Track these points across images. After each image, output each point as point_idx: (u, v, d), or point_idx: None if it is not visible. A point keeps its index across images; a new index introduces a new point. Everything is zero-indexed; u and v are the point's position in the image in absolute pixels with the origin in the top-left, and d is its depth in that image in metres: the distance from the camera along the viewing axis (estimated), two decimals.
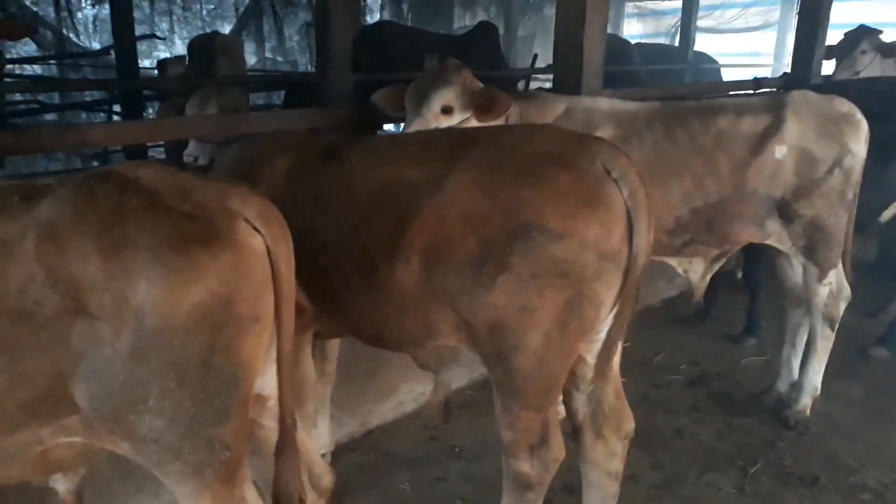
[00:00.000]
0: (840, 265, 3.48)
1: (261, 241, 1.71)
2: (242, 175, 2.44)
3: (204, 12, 11.15)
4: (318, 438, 2.91)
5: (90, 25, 9.97)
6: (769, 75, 7.48)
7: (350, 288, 2.27)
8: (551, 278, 2.04)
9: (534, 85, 7.48)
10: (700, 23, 12.71)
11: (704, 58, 9.31)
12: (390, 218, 2.16)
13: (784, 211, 3.27)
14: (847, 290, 3.55)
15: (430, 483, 3.18)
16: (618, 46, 8.73)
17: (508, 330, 2.10)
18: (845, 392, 3.98)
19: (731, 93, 5.59)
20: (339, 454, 3.24)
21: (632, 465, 3.26)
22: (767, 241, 3.38)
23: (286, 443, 1.88)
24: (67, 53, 8.90)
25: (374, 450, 3.38)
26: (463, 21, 11.88)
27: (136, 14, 8.47)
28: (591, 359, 2.36)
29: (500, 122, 3.27)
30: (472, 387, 3.88)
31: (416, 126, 3.03)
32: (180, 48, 10.41)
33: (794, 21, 6.84)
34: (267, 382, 1.91)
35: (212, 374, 1.63)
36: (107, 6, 8.20)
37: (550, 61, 5.12)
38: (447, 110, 3.09)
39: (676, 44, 10.30)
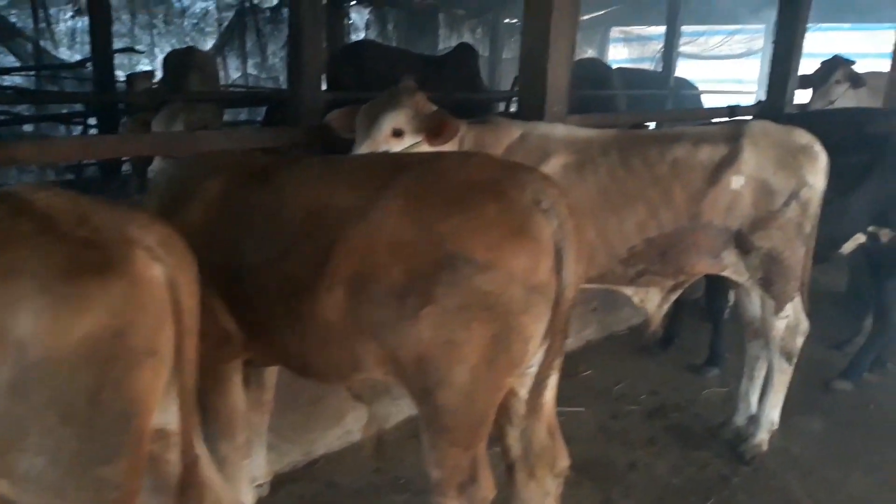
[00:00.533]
0: (798, 298, 3.42)
1: (161, 271, 1.64)
2: (174, 197, 2.39)
3: (187, 26, 11.13)
4: (252, 469, 2.82)
5: (69, 38, 9.92)
6: (751, 102, 7.51)
7: (275, 316, 2.20)
8: (477, 311, 1.97)
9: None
10: (684, 49, 12.82)
11: (685, 83, 9.34)
12: (315, 244, 2.09)
13: (741, 242, 3.22)
14: (805, 324, 3.49)
15: None
16: (598, 70, 8.76)
17: (434, 364, 2.02)
18: (805, 426, 3.92)
19: (699, 120, 5.58)
20: (279, 485, 3.14)
21: (582, 499, 3.22)
22: (724, 273, 3.33)
23: (189, 480, 1.80)
24: (44, 65, 8.84)
25: (317, 480, 3.28)
26: (448, 42, 11.89)
27: (118, 27, 8.44)
28: (524, 394, 2.31)
29: (454, 147, 3.24)
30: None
31: (365, 149, 2.98)
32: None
33: None
34: (171, 416, 1.83)
35: (100, 411, 1.55)
36: (87, 18, 8.16)
37: None
38: (398, 133, 3.03)
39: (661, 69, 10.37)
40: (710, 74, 12.57)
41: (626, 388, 4.29)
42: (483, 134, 3.27)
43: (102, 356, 1.53)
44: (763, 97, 5.96)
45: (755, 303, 3.48)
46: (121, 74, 7.85)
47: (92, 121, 7.64)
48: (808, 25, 10.12)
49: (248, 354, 2.44)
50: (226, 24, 10.87)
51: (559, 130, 3.32)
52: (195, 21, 11.19)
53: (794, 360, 3.50)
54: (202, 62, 6.09)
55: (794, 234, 3.24)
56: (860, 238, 4.14)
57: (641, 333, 5.09)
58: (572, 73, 8.47)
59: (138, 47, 9.65)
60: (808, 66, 6.21)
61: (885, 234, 4.08)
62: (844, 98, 6.08)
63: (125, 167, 6.90)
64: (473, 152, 3.00)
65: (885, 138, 4.14)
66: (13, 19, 9.00)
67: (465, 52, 7.52)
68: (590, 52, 14.13)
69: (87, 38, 9.14)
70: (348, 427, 3.49)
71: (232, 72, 11.09)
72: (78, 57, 9.40)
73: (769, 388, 3.56)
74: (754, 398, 3.72)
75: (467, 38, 12.24)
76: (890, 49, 6.13)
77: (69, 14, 9.44)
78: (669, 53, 9.23)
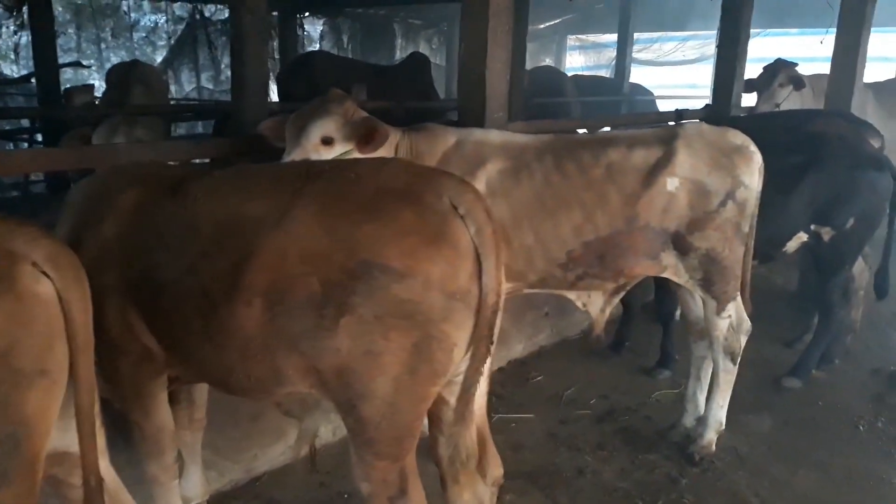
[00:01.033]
0: (739, 298, 3.44)
1: (49, 287, 1.57)
2: (89, 212, 2.32)
3: (137, 40, 10.97)
4: (187, 489, 2.74)
5: (13, 52, 9.69)
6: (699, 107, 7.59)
7: (194, 331, 2.13)
8: (396, 320, 1.93)
9: None
10: (639, 55, 13.00)
11: (639, 89, 9.46)
12: (231, 256, 2.03)
13: (678, 244, 3.23)
14: (747, 324, 3.51)
15: None
16: (553, 78, 8.84)
17: (355, 376, 1.98)
18: (755, 425, 3.94)
19: (647, 125, 5.63)
20: (220, 503, 3.06)
21: None
22: (664, 275, 3.33)
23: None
24: None
25: (259, 497, 3.20)
26: (405, 52, 11.87)
27: (64, 41, 8.28)
28: (454, 402, 2.26)
29: (389, 154, 3.20)
30: None
31: (295, 157, 2.93)
32: None
33: None
34: (73, 438, 1.75)
35: None
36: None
37: None
38: (327, 141, 2.99)
39: None
40: (665, 80, 12.77)
41: (577, 392, 4.28)
42: (418, 141, 3.24)
43: None
44: None
45: (698, 304, 3.49)
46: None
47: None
48: (756, 31, 10.36)
49: (171, 371, 2.36)
50: (176, 37, 10.74)
51: (494, 136, 3.30)
52: (144, 34, 11.03)
53: (738, 359, 3.51)
54: (146, 76, 5.98)
55: (732, 234, 3.25)
56: (803, 237, 4.19)
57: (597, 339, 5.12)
58: (528, 82, 8.55)
59: (86, 62, 9.47)
60: (757, 70, 6.33)
61: (826, 233, 4.13)
62: (789, 100, 6.19)
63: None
64: (389, 158, 2.97)
65: (823, 139, 4.21)
66: None
67: (417, 62, 7.53)
68: (547, 61, 14.25)
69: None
70: (291, 442, 3.41)
71: (185, 85, 10.94)
72: (24, 72, 9.21)
73: (715, 388, 3.57)
74: (702, 399, 3.73)
75: (423, 47, 12.26)
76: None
77: (12, 28, 9.22)
78: (622, 60, 9.34)
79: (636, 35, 10.99)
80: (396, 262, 1.91)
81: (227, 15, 10.83)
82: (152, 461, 2.47)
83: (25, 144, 7.99)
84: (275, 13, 9.68)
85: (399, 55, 11.86)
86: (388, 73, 7.57)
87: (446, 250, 1.97)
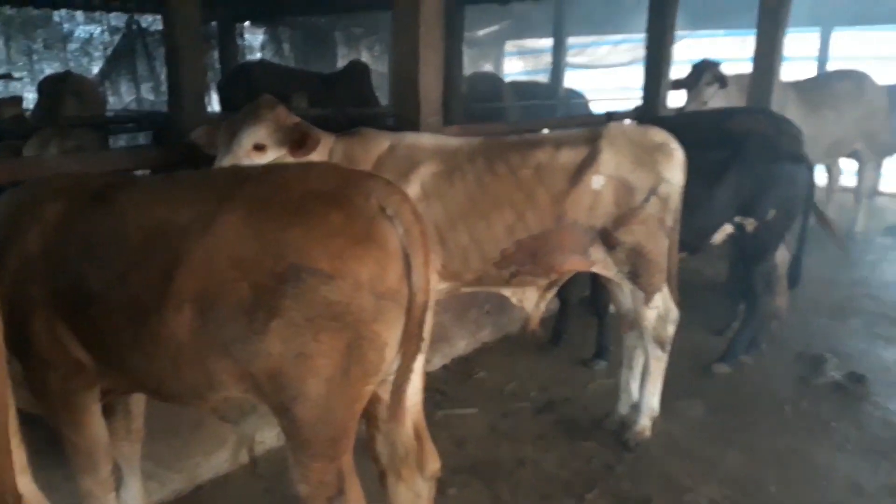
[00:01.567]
0: (666, 289, 3.59)
1: None
2: (12, 223, 2.30)
3: (72, 51, 10.72)
4: (126, 501, 2.74)
5: None
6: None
7: (125, 340, 2.14)
8: (326, 322, 1.98)
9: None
10: (574, 60, 13.30)
11: (574, 93, 9.71)
12: (159, 264, 2.05)
13: (606, 239, 3.36)
14: (675, 313, 3.66)
15: None
16: (491, 84, 9.02)
17: (287, 378, 2.02)
18: (686, 411, 4.10)
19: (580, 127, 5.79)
20: None
21: (471, 499, 3.27)
22: (594, 269, 3.46)
23: None
24: None
25: None
26: (347, 60, 11.90)
27: None
28: (389, 399, 2.32)
29: (322, 159, 3.26)
30: None
31: (227, 164, 2.96)
32: None
33: None
34: None
35: None
36: None
37: None
38: (260, 147, 3.03)
39: None
40: (599, 83, 13.09)
41: (518, 386, 4.39)
42: (352, 146, 3.31)
43: None
44: None
45: (627, 296, 3.63)
46: None
47: None
48: (686, 33, 10.72)
49: (103, 382, 2.36)
50: (113, 48, 10.53)
51: (427, 140, 3.39)
52: (79, 45, 10.78)
53: (668, 347, 3.66)
54: (79, 87, 5.89)
55: (656, 228, 3.40)
56: (728, 229, 4.40)
57: (534, 332, 5.25)
58: (467, 87, 8.67)
59: (17, 73, 9.22)
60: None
61: (750, 224, 4.34)
62: (716, 99, 6.45)
63: None
64: (316, 162, 3.02)
65: (744, 135, 4.43)
66: None
67: (357, 69, 7.60)
68: (487, 67, 14.45)
69: None
70: (234, 449, 3.42)
71: (125, 96, 10.74)
72: None
73: (647, 376, 3.72)
74: (635, 387, 3.87)
75: (365, 55, 12.30)
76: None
77: None
78: (558, 65, 9.57)
79: (571, 40, 11.28)
80: (325, 264, 1.96)
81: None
82: (86, 476, 2.45)
83: None
84: (213, 23, 9.61)
85: (341, 63, 11.86)
86: (329, 81, 7.60)
87: (375, 251, 2.03)
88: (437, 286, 3.31)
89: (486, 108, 8.15)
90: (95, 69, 10.76)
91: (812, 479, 3.48)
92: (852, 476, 3.48)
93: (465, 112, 7.76)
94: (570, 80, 11.33)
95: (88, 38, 10.80)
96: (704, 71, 6.35)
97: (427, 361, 3.99)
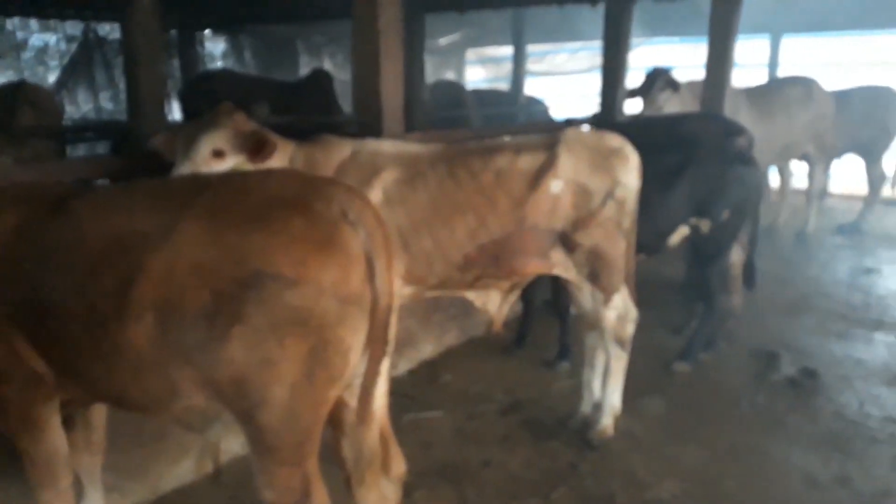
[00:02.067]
0: (625, 289, 3.68)
1: None
2: None
3: (27, 60, 10.49)
4: None
5: None
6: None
7: (84, 350, 2.13)
8: (290, 327, 1.99)
9: None
10: (534, 67, 13.47)
11: (534, 100, 9.85)
12: (119, 272, 2.04)
13: (565, 242, 3.44)
14: (634, 312, 3.75)
15: None
16: (453, 92, 9.11)
17: (251, 385, 2.02)
18: (648, 408, 4.19)
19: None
20: None
21: (438, 501, 3.30)
22: (554, 271, 3.53)
23: None
24: None
25: None
26: (309, 68, 11.90)
27: None
28: (355, 404, 2.34)
29: (283, 166, 3.27)
30: None
31: (185, 171, 2.96)
32: None
33: None
34: None
35: None
36: None
37: None
38: (218, 153, 3.04)
39: None
40: (559, 90, 13.30)
41: (483, 388, 4.44)
42: (314, 152, 3.33)
43: None
44: None
45: (587, 296, 3.69)
46: None
47: None
48: (641, 40, 10.95)
49: (63, 394, 2.34)
50: (69, 56, 10.34)
51: (388, 146, 3.43)
52: (34, 54, 10.55)
53: (628, 346, 3.74)
54: (34, 97, 5.77)
55: (614, 230, 3.48)
56: (684, 230, 4.52)
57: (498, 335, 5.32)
58: (429, 95, 8.73)
59: None
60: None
61: (704, 225, 4.47)
62: (671, 104, 6.61)
63: None
64: (278, 168, 3.03)
65: (697, 139, 4.56)
66: None
67: (320, 78, 7.59)
68: (449, 75, 14.56)
69: None
70: (199, 457, 3.40)
71: (83, 105, 10.55)
72: None
73: (608, 375, 3.80)
74: (597, 386, 3.95)
75: (327, 64, 12.28)
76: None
77: None
78: (518, 72, 9.70)
79: (530, 48, 11.43)
80: (288, 269, 1.97)
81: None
82: (45, 489, 2.42)
83: None
84: (173, 31, 9.51)
85: (303, 72, 11.84)
86: (291, 89, 7.59)
87: (337, 256, 2.04)
88: (401, 291, 3.35)
89: (448, 116, 8.23)
90: (52, 78, 10.55)
91: (768, 473, 3.58)
92: (806, 468, 3.60)
93: (427, 119, 7.82)
94: (531, 87, 11.49)
95: (44, 47, 10.57)
96: (657, 78, 6.50)
97: (393, 366, 4.02)
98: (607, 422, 3.81)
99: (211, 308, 1.98)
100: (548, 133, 3.57)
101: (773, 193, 8.75)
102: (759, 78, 9.84)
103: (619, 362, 3.76)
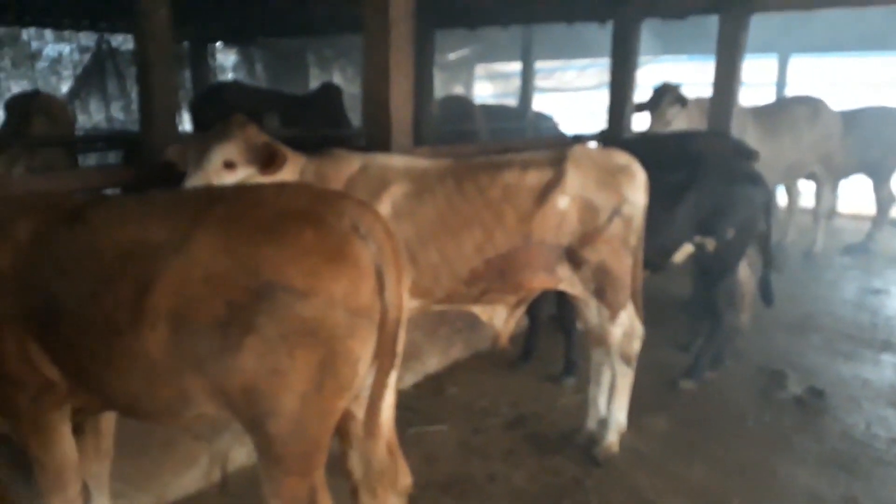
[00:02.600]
0: (631, 306, 3.69)
1: None
2: None
3: (41, 70, 10.63)
4: None
5: None
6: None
7: (98, 358, 2.16)
8: (300, 338, 2.02)
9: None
10: (543, 84, 13.56)
11: (543, 116, 9.90)
12: (133, 281, 2.08)
13: (571, 257, 3.45)
14: (640, 329, 3.75)
15: None
16: (462, 107, 9.18)
17: (261, 394, 2.05)
18: (654, 425, 4.19)
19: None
20: None
21: None
22: (560, 287, 3.55)
23: None
24: None
25: None
26: (319, 82, 12.00)
27: None
28: (362, 416, 2.36)
29: (294, 179, 3.31)
30: None
31: (196, 181, 3.00)
32: None
33: None
34: None
35: None
36: None
37: None
38: (230, 165, 3.07)
39: None
40: (568, 107, 13.37)
41: (489, 402, 4.44)
42: (323, 166, 3.36)
43: None
44: None
45: (593, 313, 3.71)
46: None
47: None
48: (650, 58, 11.00)
49: (74, 401, 2.36)
50: (83, 67, 10.48)
51: (397, 161, 3.46)
52: (46, 64, 10.70)
53: (634, 363, 3.75)
54: (48, 106, 5.84)
55: (620, 246, 3.50)
56: (689, 248, 4.53)
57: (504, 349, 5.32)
58: (438, 110, 8.78)
59: None
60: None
61: (710, 243, 4.48)
62: (679, 121, 6.63)
63: None
64: (290, 182, 3.06)
65: (703, 157, 4.58)
66: None
67: (329, 91, 7.67)
68: (458, 90, 14.67)
69: None
70: (203, 468, 3.41)
71: (95, 115, 10.67)
72: None
73: (614, 391, 3.80)
74: (603, 402, 3.95)
75: (337, 77, 12.39)
76: None
77: None
78: (526, 88, 9.77)
79: (540, 64, 11.51)
80: (299, 281, 2.00)
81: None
82: (55, 495, 2.45)
83: None
84: (185, 42, 9.63)
85: (313, 85, 11.95)
86: (301, 102, 7.67)
87: (348, 268, 2.07)
88: (408, 304, 3.36)
89: (457, 131, 8.28)
90: (65, 88, 10.68)
91: (773, 491, 3.57)
92: (812, 488, 3.59)
93: (436, 134, 7.88)
94: (540, 103, 11.55)
95: (58, 57, 10.73)
96: (665, 93, 6.52)
97: (398, 379, 4.03)
98: (612, 438, 3.81)
99: (224, 318, 2.01)
100: (555, 149, 3.60)
101: (781, 212, 8.74)
102: (768, 97, 9.87)
103: (624, 379, 3.77)
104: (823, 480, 3.65)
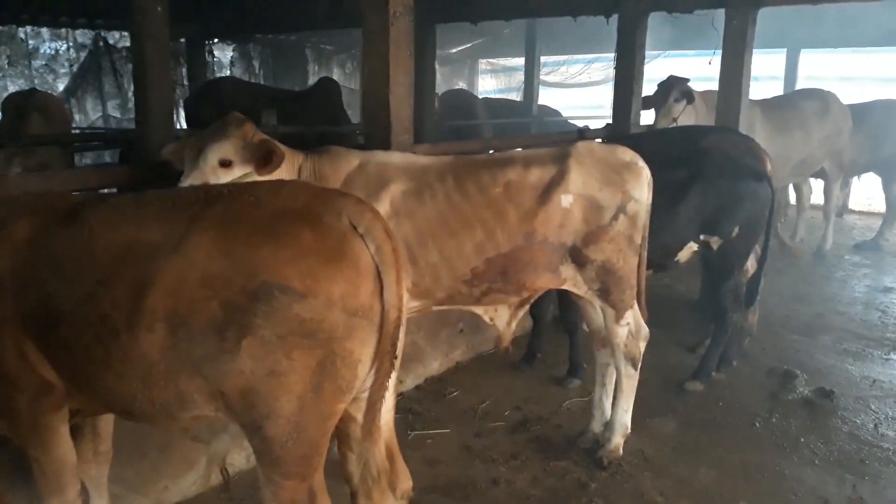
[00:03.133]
0: (636, 306, 3.61)
1: None
2: None
3: (37, 67, 10.58)
4: None
5: None
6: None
7: (94, 360, 2.11)
8: (298, 339, 1.97)
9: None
10: (548, 78, 13.48)
11: (549, 111, 9.80)
12: (130, 283, 2.03)
13: (575, 256, 3.38)
14: (645, 330, 3.68)
15: None
16: (465, 101, 9.09)
17: (259, 396, 2.00)
18: (660, 428, 4.13)
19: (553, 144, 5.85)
20: None
21: None
22: (564, 287, 3.47)
23: None
24: None
25: None
26: (318, 77, 11.94)
27: None
28: (362, 418, 2.30)
29: (291, 177, 3.24)
30: None
31: (192, 180, 2.94)
32: None
33: None
34: None
35: None
36: None
37: None
38: (226, 164, 3.01)
39: None
40: (573, 101, 13.30)
41: (492, 405, 4.38)
42: (322, 164, 3.30)
43: None
44: None
45: (598, 313, 3.64)
46: None
47: None
48: (657, 53, 10.90)
49: (72, 403, 2.32)
50: (79, 64, 10.43)
51: (397, 158, 3.39)
52: (43, 62, 10.65)
53: (639, 364, 3.68)
54: (44, 104, 5.79)
55: (625, 245, 3.42)
56: (693, 247, 4.44)
57: (507, 351, 5.25)
58: (440, 105, 8.72)
59: None
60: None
61: (714, 242, 4.39)
62: (685, 115, 6.52)
63: None
64: (287, 180, 3.01)
65: (706, 153, 4.50)
66: None
67: (327, 86, 7.59)
68: (461, 84, 14.59)
69: None
70: (202, 471, 3.35)
71: (91, 113, 10.62)
72: None
73: (619, 393, 3.73)
74: (608, 404, 3.88)
75: (337, 72, 12.33)
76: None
77: None
78: (530, 83, 9.68)
79: (545, 58, 11.42)
80: (297, 282, 1.96)
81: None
82: (54, 498, 2.41)
83: None
84: (182, 39, 9.55)
85: (312, 80, 11.89)
86: (297, 98, 7.60)
87: (347, 269, 2.03)
88: (409, 304, 3.30)
89: (459, 125, 8.21)
90: (61, 86, 10.64)
91: (781, 493, 3.51)
92: (819, 490, 3.53)
93: (439, 129, 7.80)
94: (546, 97, 11.46)
95: (54, 55, 10.68)
96: (672, 87, 6.42)
97: (400, 382, 3.99)
98: (617, 441, 3.74)
99: (221, 319, 1.97)
100: (559, 145, 3.52)
101: (791, 210, 8.65)
102: (775, 90, 9.75)
103: (629, 381, 3.69)
104: (831, 482, 3.60)
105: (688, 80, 6.54)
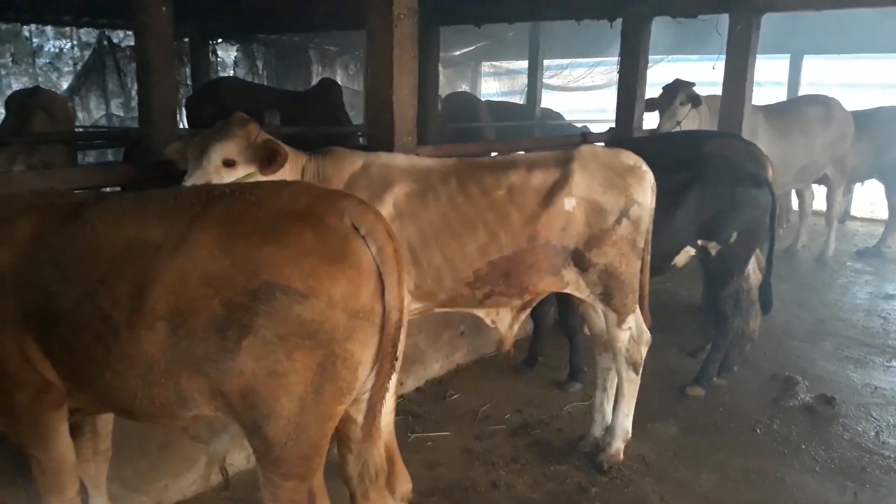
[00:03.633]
0: (638, 310, 3.60)
1: None
2: None
3: (41, 66, 10.60)
4: None
5: None
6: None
7: (95, 359, 2.10)
8: (299, 340, 1.97)
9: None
10: (551, 81, 13.48)
11: (552, 114, 9.80)
12: (132, 281, 2.03)
13: (578, 260, 3.37)
14: (647, 335, 3.67)
15: None
16: (468, 103, 9.09)
17: (259, 397, 2.00)
18: (661, 432, 4.11)
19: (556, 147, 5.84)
20: None
21: None
22: (566, 290, 3.46)
23: None
24: None
25: None
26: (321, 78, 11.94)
27: None
28: (361, 420, 2.30)
29: (294, 177, 3.23)
30: None
31: (196, 180, 2.95)
32: None
33: None
34: None
35: None
36: None
37: None
38: (229, 164, 3.01)
39: None
40: (577, 105, 13.29)
41: (492, 408, 4.37)
42: (325, 165, 3.29)
43: None
44: None
45: (600, 317, 3.63)
46: None
47: None
48: (661, 57, 10.89)
49: (72, 402, 2.31)
50: (83, 63, 10.44)
51: (400, 160, 3.39)
52: (47, 61, 10.66)
53: (640, 369, 3.67)
54: (48, 103, 5.80)
55: (628, 249, 3.41)
56: (690, 251, 4.41)
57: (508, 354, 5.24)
58: (443, 107, 8.72)
59: None
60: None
61: (713, 247, 4.37)
62: (689, 120, 6.51)
63: None
64: (290, 181, 3.01)
65: (707, 158, 4.48)
66: None
67: (328, 87, 7.60)
68: (464, 87, 14.58)
69: None
70: (202, 471, 3.34)
71: (95, 112, 10.63)
72: None
73: (620, 398, 3.72)
74: (609, 409, 3.87)
75: (341, 74, 12.34)
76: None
77: None
78: (533, 86, 9.69)
79: (548, 62, 11.43)
80: (298, 282, 1.95)
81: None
82: (53, 496, 2.40)
83: None
84: (186, 39, 9.56)
85: (316, 81, 11.89)
86: (298, 98, 7.60)
87: (348, 270, 2.02)
88: (411, 306, 3.29)
89: (462, 128, 8.20)
90: (65, 85, 10.65)
91: (782, 500, 3.50)
92: (820, 497, 3.52)
93: (441, 131, 7.79)
94: (549, 100, 11.45)
95: (58, 53, 10.70)
96: (678, 91, 6.40)
97: (400, 383, 3.98)
98: (618, 446, 3.73)
99: (222, 319, 1.96)
100: (562, 148, 3.51)
101: (794, 216, 8.63)
102: (780, 97, 9.74)
103: (630, 385, 3.68)
104: (832, 489, 3.58)
105: (693, 83, 6.52)
